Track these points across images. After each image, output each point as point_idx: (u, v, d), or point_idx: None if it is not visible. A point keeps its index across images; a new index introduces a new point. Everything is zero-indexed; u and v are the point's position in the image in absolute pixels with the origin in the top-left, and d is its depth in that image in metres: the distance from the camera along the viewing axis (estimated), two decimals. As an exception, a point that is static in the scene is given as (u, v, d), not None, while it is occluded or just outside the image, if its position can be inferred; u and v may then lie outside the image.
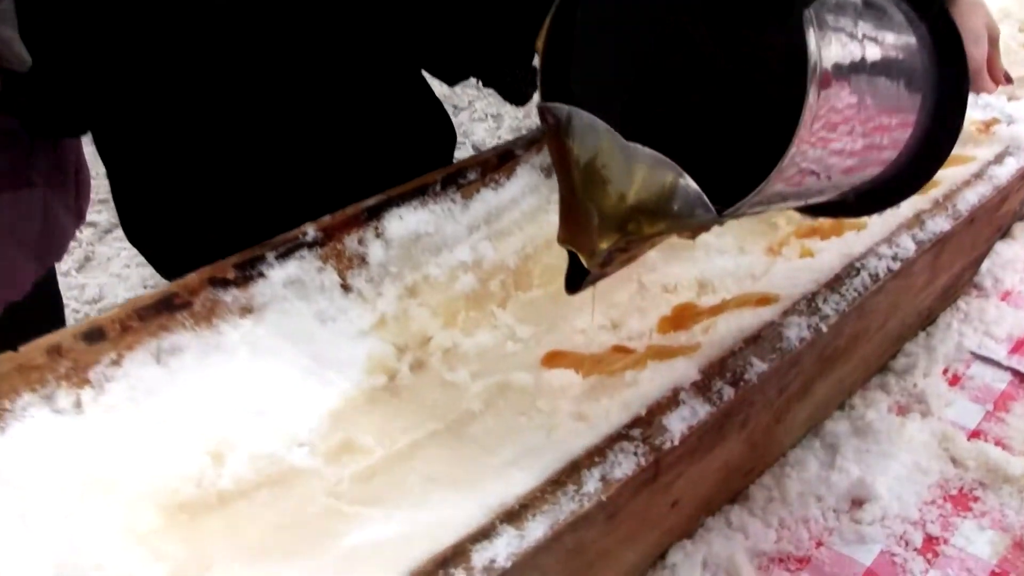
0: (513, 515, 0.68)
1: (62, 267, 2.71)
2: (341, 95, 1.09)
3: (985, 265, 1.25)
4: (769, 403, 0.87)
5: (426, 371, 0.95)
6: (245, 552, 0.76)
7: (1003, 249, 1.29)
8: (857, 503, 0.97)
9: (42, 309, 1.31)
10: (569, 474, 0.71)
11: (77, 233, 1.32)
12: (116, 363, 0.84)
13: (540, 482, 0.70)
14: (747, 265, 1.03)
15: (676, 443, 0.74)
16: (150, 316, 0.85)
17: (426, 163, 1.07)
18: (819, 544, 0.94)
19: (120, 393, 0.84)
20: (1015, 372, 1.13)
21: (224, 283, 0.89)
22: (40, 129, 1.11)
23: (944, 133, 0.78)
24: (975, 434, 1.05)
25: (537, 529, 0.67)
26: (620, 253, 0.73)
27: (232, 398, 0.87)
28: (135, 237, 1.24)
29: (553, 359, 0.94)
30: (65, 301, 1.55)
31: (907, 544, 0.94)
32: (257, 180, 1.09)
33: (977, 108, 1.19)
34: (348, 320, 0.96)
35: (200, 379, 0.87)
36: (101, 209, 3.01)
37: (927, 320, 1.17)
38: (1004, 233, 1.29)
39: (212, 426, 0.85)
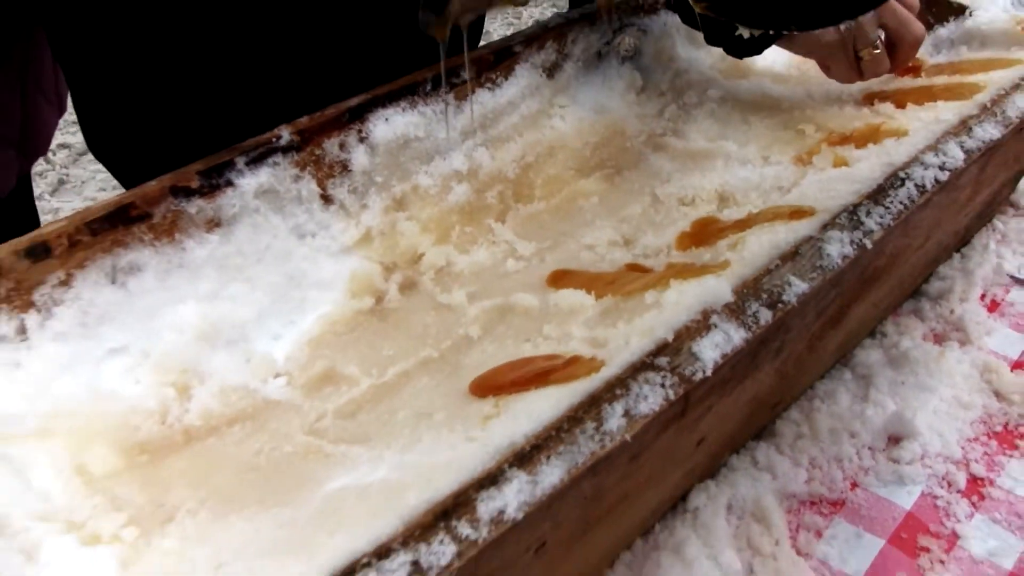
0: (524, 458, 0.58)
1: (35, 190, 2.60)
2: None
3: (1022, 182, 1.15)
4: (806, 329, 0.77)
5: (417, 292, 0.85)
6: (214, 498, 0.67)
7: (1040, 164, 1.18)
8: (894, 440, 0.88)
9: (19, 226, 1.22)
10: (588, 409, 0.61)
11: (51, 156, 1.22)
12: (65, 284, 0.73)
13: (555, 418, 0.60)
14: (773, 176, 0.92)
15: (708, 373, 0.65)
16: (103, 230, 0.75)
17: (423, 61, 0.94)
18: (854, 485, 0.84)
19: (70, 318, 0.74)
20: (1059, 296, 1.03)
21: (188, 192, 0.78)
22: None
23: None
24: (1019, 365, 0.96)
25: (552, 474, 0.57)
26: None
27: (199, 324, 0.77)
28: (99, 149, 1.12)
29: (560, 278, 0.84)
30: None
31: (950, 485, 0.85)
32: (228, 78, 0.97)
33: (1022, 6, 1.08)
34: (329, 235, 0.85)
35: (162, 302, 0.77)
36: (76, 131, 2.87)
37: (962, 240, 1.07)
38: (1041, 147, 1.19)
39: (176, 355, 0.76)
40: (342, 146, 0.85)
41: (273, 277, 0.82)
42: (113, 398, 0.72)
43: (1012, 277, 1.05)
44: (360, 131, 0.86)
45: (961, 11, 1.10)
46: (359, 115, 0.86)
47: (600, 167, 0.99)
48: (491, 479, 0.57)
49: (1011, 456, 0.87)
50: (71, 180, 2.87)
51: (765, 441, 0.86)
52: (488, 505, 0.55)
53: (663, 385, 0.63)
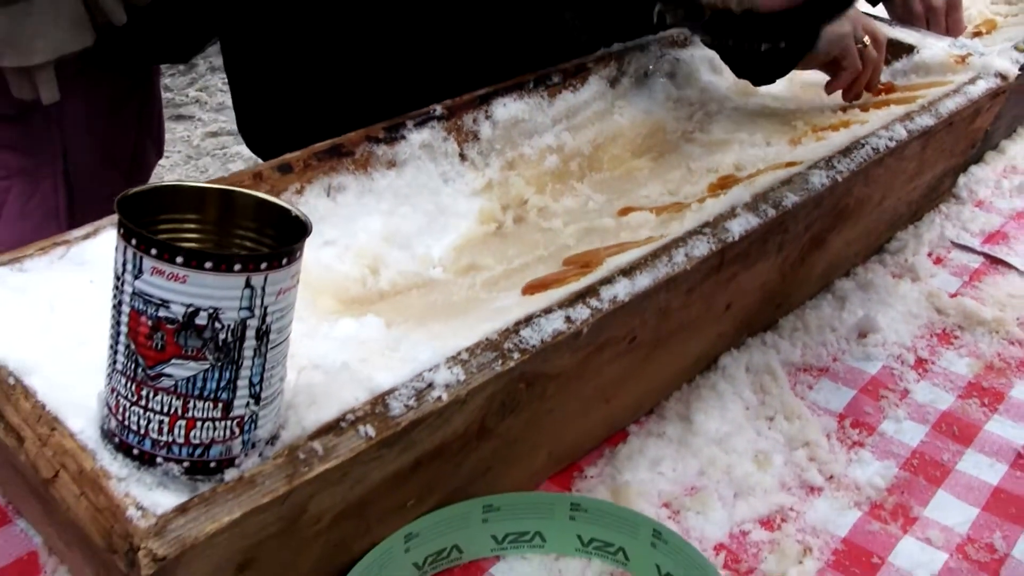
0: (626, 271, 0.93)
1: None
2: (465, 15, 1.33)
3: (962, 180, 1.52)
4: (798, 236, 1.13)
5: (526, 223, 1.21)
6: (412, 319, 1.01)
7: (976, 171, 1.57)
8: (863, 334, 1.23)
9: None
10: (663, 251, 0.97)
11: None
12: (299, 192, 1.08)
13: (644, 254, 0.96)
14: (774, 152, 1.30)
15: (736, 239, 1.00)
16: (324, 159, 1.10)
17: (531, 63, 1.30)
18: (835, 359, 1.19)
19: (302, 217, 1.08)
20: (986, 256, 1.40)
21: (377, 140, 1.14)
22: (155, 55, 1.38)
23: None
24: (954, 295, 1.32)
25: (643, 281, 0.93)
26: None
27: (382, 230, 1.12)
28: (254, 142, 1.49)
29: (628, 210, 1.20)
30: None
31: (903, 362, 1.20)
32: (374, 80, 1.34)
33: (955, 47, 1.47)
34: (464, 182, 1.21)
35: (358, 213, 1.12)
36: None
37: (915, 216, 1.44)
38: (978, 158, 1.57)
39: (368, 249, 1.10)
40: (474, 120, 1.22)
41: (427, 206, 1.17)
42: (329, 271, 1.07)
43: (952, 242, 1.42)
44: (486, 111, 1.23)
45: (911, 50, 1.50)
46: (486, 100, 1.23)
47: (648, 151, 1.35)
48: (607, 280, 0.92)
49: (947, 349, 1.22)
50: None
51: (771, 332, 1.21)
52: (607, 292, 0.91)
53: (708, 242, 0.99)
